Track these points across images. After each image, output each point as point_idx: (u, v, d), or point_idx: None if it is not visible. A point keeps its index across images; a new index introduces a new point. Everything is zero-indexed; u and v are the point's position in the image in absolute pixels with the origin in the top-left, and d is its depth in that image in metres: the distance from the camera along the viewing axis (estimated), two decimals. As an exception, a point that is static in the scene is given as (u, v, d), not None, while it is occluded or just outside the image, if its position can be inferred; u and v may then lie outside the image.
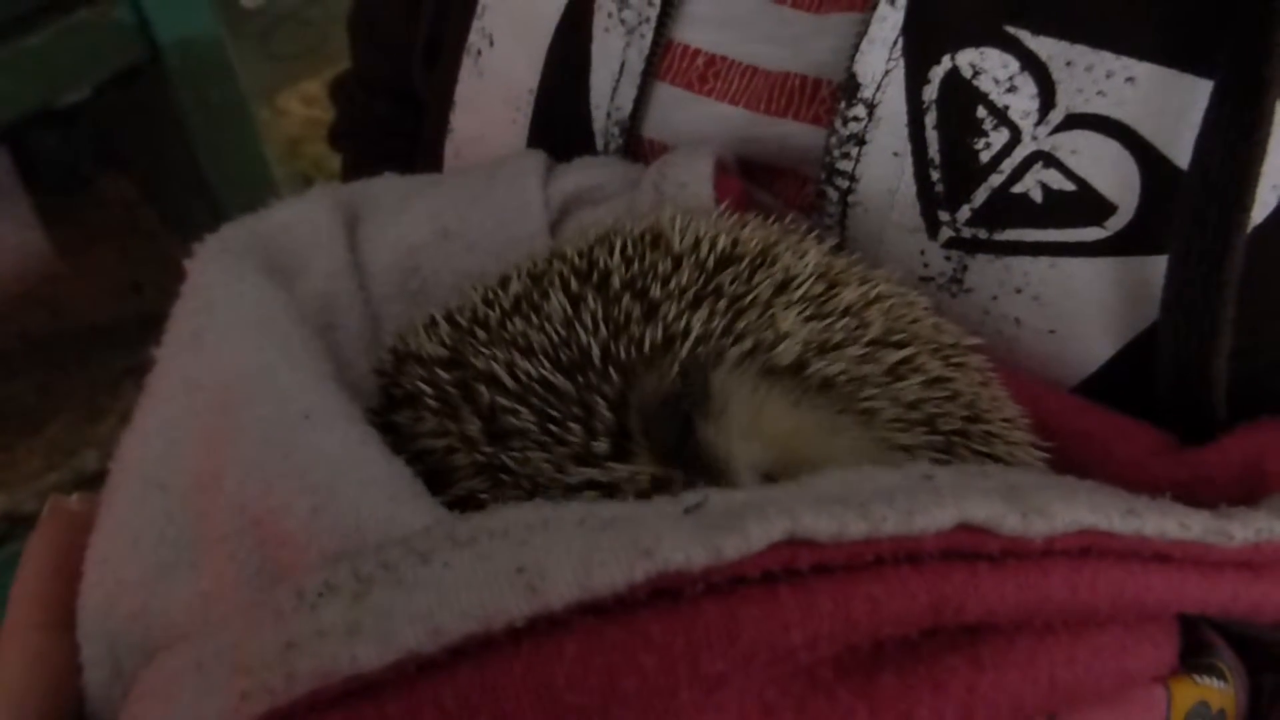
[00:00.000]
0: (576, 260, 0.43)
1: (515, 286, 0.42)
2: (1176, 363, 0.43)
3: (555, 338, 0.39)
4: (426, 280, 0.53)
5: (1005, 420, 0.42)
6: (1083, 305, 0.46)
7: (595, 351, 0.38)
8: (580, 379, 0.37)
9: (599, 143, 0.57)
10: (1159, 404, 0.45)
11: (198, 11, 1.15)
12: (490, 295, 0.43)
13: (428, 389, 0.39)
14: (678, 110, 0.55)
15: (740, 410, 0.37)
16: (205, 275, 0.46)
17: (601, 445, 0.36)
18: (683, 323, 0.38)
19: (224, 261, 0.47)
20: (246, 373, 0.40)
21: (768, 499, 0.28)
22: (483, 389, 0.38)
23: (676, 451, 0.36)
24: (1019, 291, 0.47)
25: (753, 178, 0.54)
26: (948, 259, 0.48)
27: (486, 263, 0.52)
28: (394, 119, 0.73)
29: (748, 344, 0.38)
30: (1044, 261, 0.46)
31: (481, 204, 0.54)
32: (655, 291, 0.39)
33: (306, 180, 1.49)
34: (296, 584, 0.29)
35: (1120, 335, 0.46)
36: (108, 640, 0.39)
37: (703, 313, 0.38)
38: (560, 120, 0.58)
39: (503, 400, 0.38)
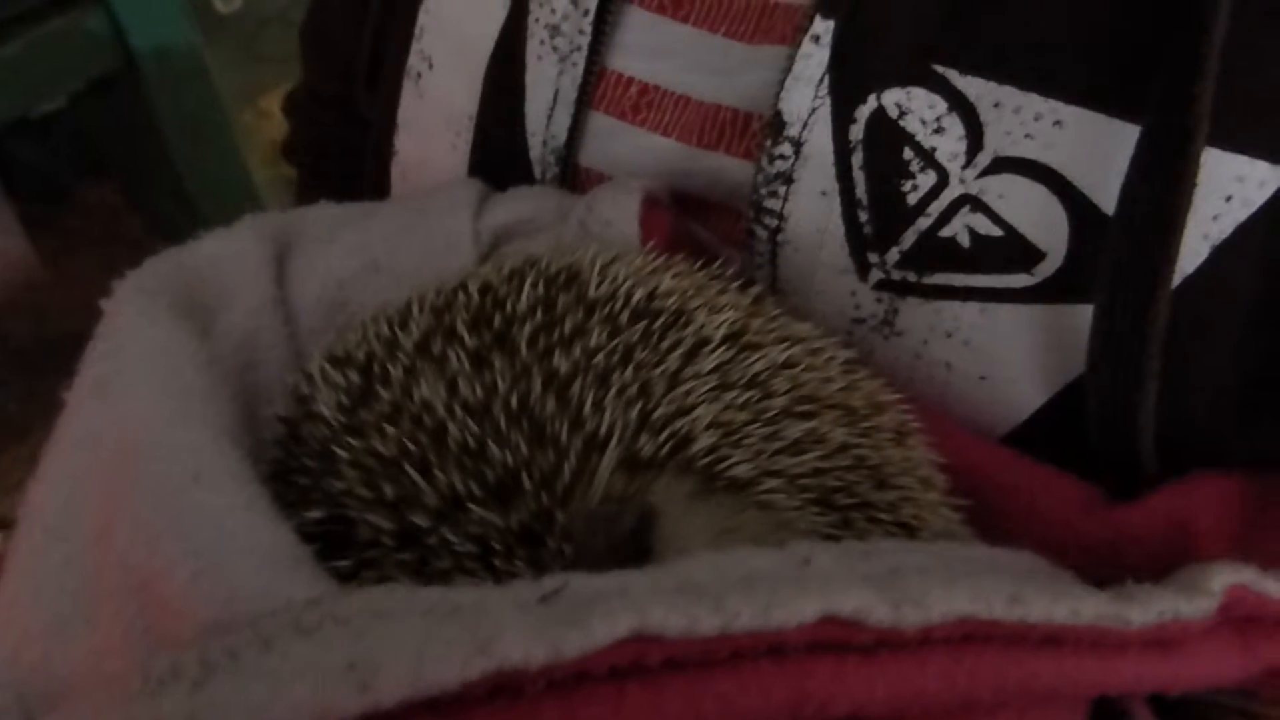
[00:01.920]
0: (480, 298, 0.42)
1: (416, 325, 0.41)
2: (1103, 415, 0.42)
3: (469, 436, 0.37)
4: (353, 315, 0.52)
5: (920, 478, 0.41)
6: (1012, 352, 0.45)
7: (523, 478, 0.36)
8: (511, 511, 0.36)
9: (536, 171, 0.56)
10: (1088, 455, 0.44)
11: (172, 19, 1.15)
12: (390, 333, 0.42)
13: (328, 457, 0.38)
14: (612, 140, 0.54)
15: (672, 528, 0.37)
16: (118, 317, 0.46)
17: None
18: (597, 422, 0.37)
19: (138, 303, 0.46)
20: (144, 426, 0.39)
21: (622, 589, 0.27)
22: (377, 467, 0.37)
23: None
24: (949, 336, 0.46)
25: (688, 211, 0.53)
26: (879, 301, 0.47)
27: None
28: (344, 135, 0.72)
29: (663, 440, 0.37)
30: (973, 306, 0.45)
31: (411, 236, 0.53)
32: (561, 361, 0.38)
33: (291, 183, 1.48)
34: (145, 665, 0.28)
35: (1050, 383, 0.45)
36: (15, 689, 0.38)
37: (611, 395, 0.38)
38: (498, 147, 0.57)
39: (418, 521, 0.36)
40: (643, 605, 0.26)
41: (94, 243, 1.46)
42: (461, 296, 0.43)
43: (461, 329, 0.41)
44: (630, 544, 0.36)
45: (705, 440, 0.38)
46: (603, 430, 0.37)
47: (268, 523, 0.35)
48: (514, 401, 0.37)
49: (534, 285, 0.42)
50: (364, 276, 0.52)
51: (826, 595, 0.28)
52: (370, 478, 0.37)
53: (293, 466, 0.40)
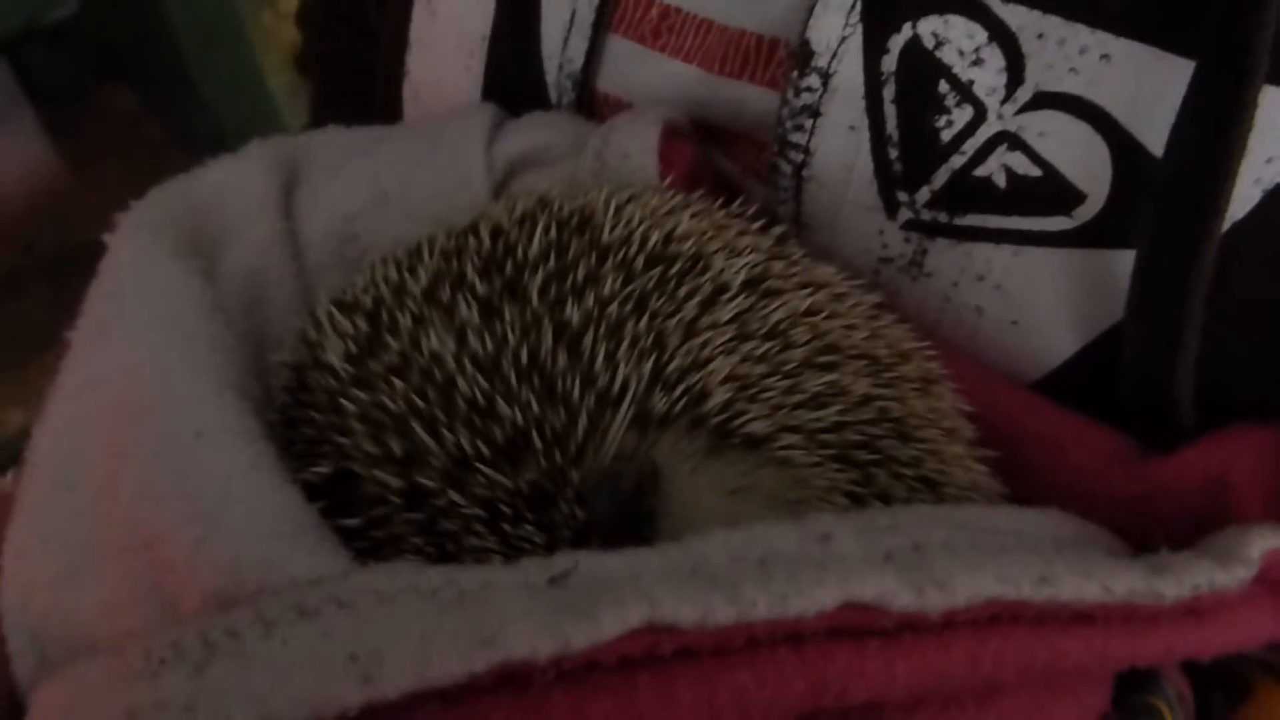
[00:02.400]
0: (490, 243, 0.40)
1: (425, 270, 0.40)
2: (1140, 366, 0.40)
3: (478, 391, 0.36)
4: (365, 249, 0.50)
5: (945, 430, 0.40)
6: (1046, 297, 0.43)
7: (533, 436, 0.35)
8: (521, 471, 0.35)
9: (552, 95, 0.54)
10: (1123, 406, 0.42)
11: (184, -81, 1.11)
12: (398, 278, 0.40)
13: (336, 410, 0.37)
14: (631, 65, 0.51)
15: (679, 492, 0.36)
16: (121, 255, 0.45)
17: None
18: (610, 377, 0.36)
19: (140, 240, 0.45)
20: (146, 376, 0.38)
21: (634, 573, 0.26)
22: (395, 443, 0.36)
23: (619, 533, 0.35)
24: (981, 279, 0.44)
25: (710, 140, 0.51)
26: (907, 241, 0.45)
27: (427, 229, 0.50)
28: (357, 50, 0.69)
29: (678, 396, 0.36)
30: (1007, 249, 0.43)
31: (422, 167, 0.51)
32: (572, 311, 0.37)
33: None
34: (147, 642, 0.28)
35: (1085, 331, 0.43)
36: (29, 632, 0.38)
37: (624, 348, 0.36)
38: (513, 70, 0.54)
39: (426, 481, 0.35)
40: (654, 594, 0.25)
41: (115, 148, 1.44)
42: (472, 241, 0.41)
43: (471, 275, 0.39)
44: (633, 503, 0.35)
45: (720, 396, 0.36)
46: (615, 387, 0.36)
47: (273, 484, 0.34)
48: (524, 356, 0.36)
49: (545, 230, 0.40)
50: (373, 209, 0.50)
51: (847, 581, 0.27)
52: (378, 433, 0.36)
53: (300, 416, 0.40)
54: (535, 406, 0.35)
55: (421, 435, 0.35)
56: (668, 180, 0.47)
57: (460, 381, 0.36)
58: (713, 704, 0.26)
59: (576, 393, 0.35)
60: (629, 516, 0.35)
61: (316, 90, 0.75)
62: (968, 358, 0.45)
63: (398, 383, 0.37)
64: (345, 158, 0.52)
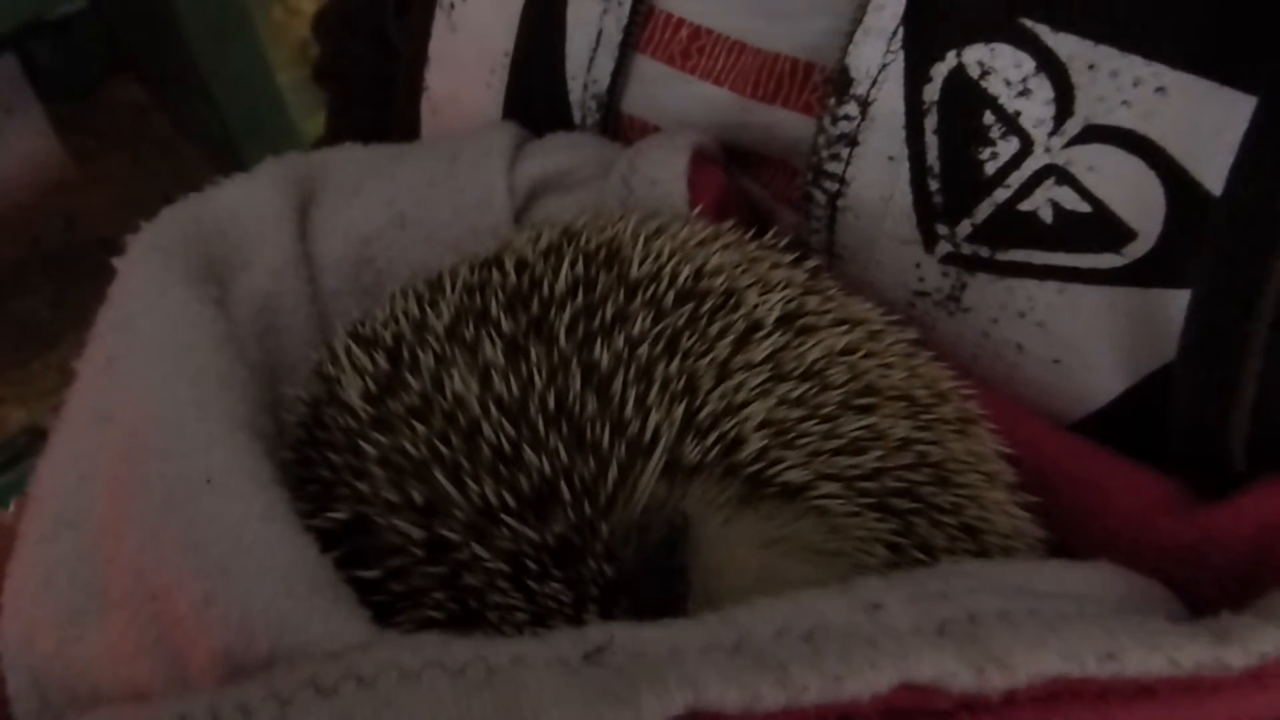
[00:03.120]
0: (516, 276, 0.39)
1: (447, 305, 0.38)
2: (1192, 411, 0.39)
3: (504, 439, 0.34)
4: (381, 273, 0.49)
5: (985, 474, 0.38)
6: (1092, 336, 0.41)
7: (561, 487, 0.33)
8: (548, 524, 0.33)
9: (576, 116, 0.52)
10: (1170, 449, 0.40)
11: (192, -89, 1.09)
12: (419, 312, 0.39)
13: (354, 452, 0.36)
14: (659, 87, 0.49)
15: (711, 550, 0.34)
16: (131, 281, 0.43)
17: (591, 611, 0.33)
18: (640, 424, 0.34)
19: (151, 266, 0.43)
20: (154, 415, 0.37)
21: (674, 650, 0.25)
22: (417, 495, 0.34)
23: (663, 604, 0.33)
24: (1022, 316, 0.42)
25: (740, 165, 0.49)
26: (945, 275, 0.43)
27: (445, 255, 0.48)
28: (375, 62, 0.67)
29: (711, 444, 0.34)
30: (1051, 286, 0.41)
31: (441, 189, 0.49)
32: (601, 352, 0.35)
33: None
34: (152, 712, 0.26)
35: (1132, 372, 0.41)
36: (31, 674, 0.37)
37: (655, 391, 0.34)
38: (536, 89, 0.53)
39: (448, 533, 0.33)
40: (699, 678, 0.24)
41: (123, 141, 1.43)
42: (496, 275, 0.39)
43: (496, 311, 0.38)
44: (664, 557, 0.33)
45: (755, 444, 0.35)
46: (646, 434, 0.34)
47: (287, 534, 0.33)
48: (551, 401, 0.34)
49: (572, 264, 0.39)
50: (391, 232, 0.49)
51: (903, 660, 0.25)
52: (399, 479, 0.35)
53: (315, 455, 0.38)
54: (563, 455, 0.33)
55: (444, 484, 0.34)
56: (697, 209, 0.45)
57: (485, 427, 0.34)
58: None
59: (606, 440, 0.34)
60: (660, 571, 0.33)
61: (333, 101, 0.74)
62: (1006, 397, 0.43)
63: (419, 426, 0.35)
64: (362, 178, 0.50)
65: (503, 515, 0.33)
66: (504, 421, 0.34)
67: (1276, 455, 0.39)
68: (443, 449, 0.34)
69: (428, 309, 0.39)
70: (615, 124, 0.51)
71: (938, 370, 0.41)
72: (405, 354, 0.38)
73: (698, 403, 0.35)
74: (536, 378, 0.35)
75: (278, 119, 1.34)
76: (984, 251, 0.42)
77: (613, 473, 0.33)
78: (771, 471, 0.35)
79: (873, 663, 0.25)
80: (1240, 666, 0.29)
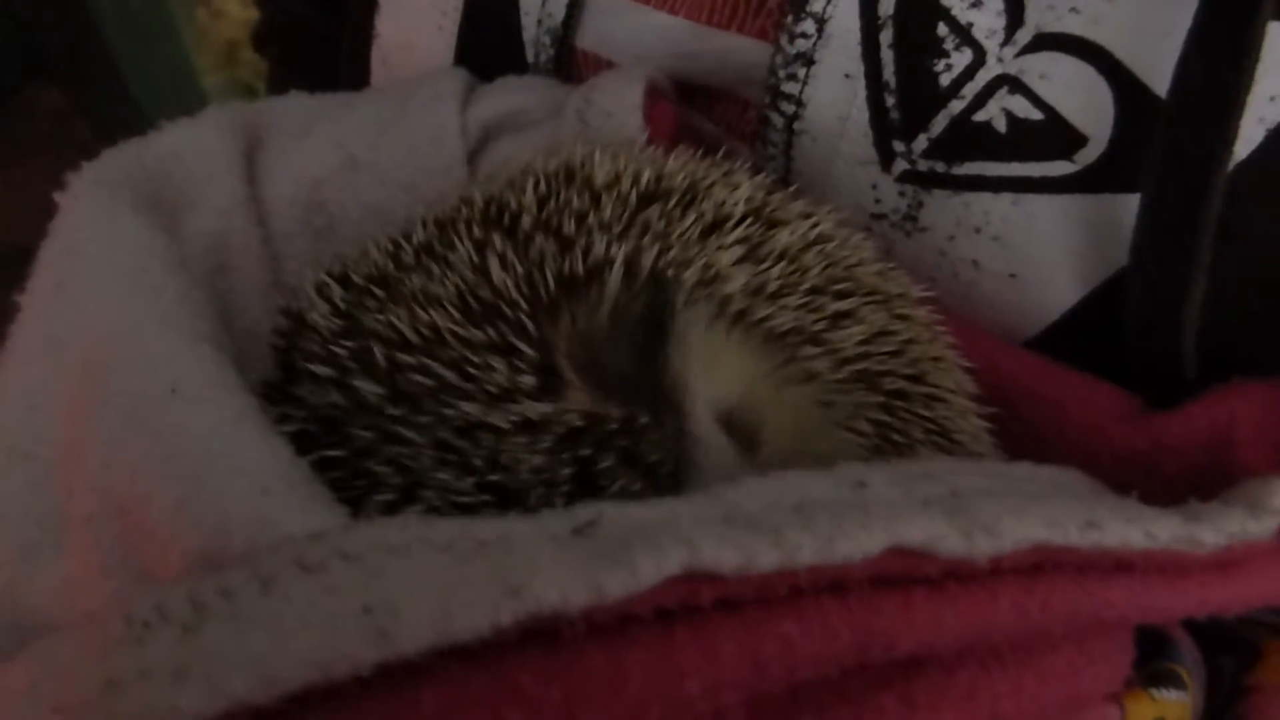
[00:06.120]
0: (484, 205, 0.38)
1: (419, 236, 0.38)
2: (1145, 310, 0.40)
3: (461, 285, 0.34)
4: (333, 216, 0.48)
5: (951, 380, 0.39)
6: (1047, 247, 0.42)
7: (510, 291, 0.33)
8: (493, 327, 0.33)
9: (530, 54, 0.52)
10: (1126, 357, 0.41)
11: (114, -92, 1.06)
12: (390, 247, 0.38)
13: (321, 358, 0.35)
14: (613, 19, 0.50)
15: (699, 343, 0.33)
16: (75, 213, 0.42)
17: (528, 380, 0.32)
18: (608, 252, 0.34)
19: (96, 198, 0.42)
20: (111, 334, 0.35)
21: (667, 521, 0.25)
22: (379, 350, 0.34)
23: (631, 380, 0.32)
24: (978, 231, 0.43)
25: (691, 102, 0.50)
26: (902, 194, 0.44)
27: (398, 196, 0.47)
28: (318, 21, 0.66)
29: (691, 275, 0.34)
30: (1006, 198, 0.42)
31: (393, 131, 0.49)
32: (570, 228, 0.35)
33: (245, 88, 1.41)
34: (127, 607, 0.25)
35: (1086, 280, 0.42)
36: None
37: (629, 245, 0.34)
38: (489, 27, 0.52)
39: (405, 357, 0.33)
40: (693, 538, 0.23)
41: (42, 148, 1.38)
42: (464, 209, 0.39)
43: (463, 231, 0.37)
44: (645, 324, 0.33)
45: (738, 281, 0.34)
46: (621, 251, 0.34)
47: (259, 437, 0.32)
48: (511, 254, 0.34)
49: (536, 185, 0.38)
50: (342, 174, 0.48)
51: (894, 524, 0.25)
52: (364, 355, 0.34)
53: (289, 393, 0.37)
54: (524, 288, 0.33)
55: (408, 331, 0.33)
56: (652, 140, 0.45)
57: (442, 288, 0.34)
58: (757, 657, 0.24)
59: (568, 264, 0.34)
60: (638, 342, 0.33)
61: (274, 67, 0.72)
62: (963, 318, 0.44)
63: (382, 316, 0.34)
64: (310, 122, 0.49)
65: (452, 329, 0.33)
66: (464, 275, 0.34)
67: (1225, 365, 0.40)
68: (400, 325, 0.34)
69: (400, 241, 0.38)
70: (569, 61, 0.51)
71: (905, 278, 0.42)
72: (375, 270, 0.37)
73: (674, 252, 0.35)
74: (506, 249, 0.35)
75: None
76: (940, 166, 0.43)
77: (569, 279, 0.33)
78: (758, 315, 0.35)
79: (864, 525, 0.25)
80: (1211, 543, 0.30)
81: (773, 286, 0.35)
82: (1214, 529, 0.30)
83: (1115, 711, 0.32)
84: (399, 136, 0.49)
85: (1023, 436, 0.42)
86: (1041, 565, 0.28)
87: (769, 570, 0.24)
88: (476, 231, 0.36)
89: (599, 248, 0.34)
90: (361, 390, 0.34)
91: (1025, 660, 0.29)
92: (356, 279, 0.37)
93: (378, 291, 0.36)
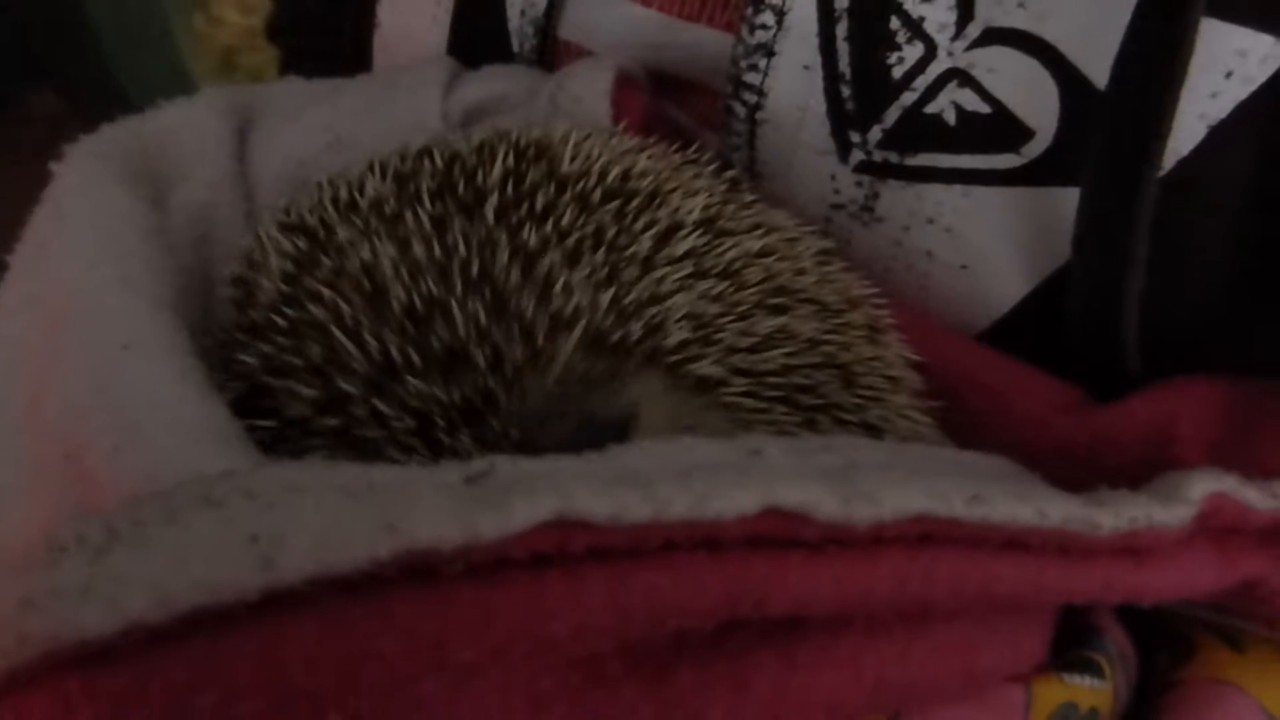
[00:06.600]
0: (447, 165, 0.40)
1: (375, 190, 0.39)
2: (1085, 303, 0.41)
3: (416, 298, 0.34)
4: None
5: (890, 379, 0.40)
6: (995, 239, 0.43)
7: (472, 344, 0.34)
8: (456, 385, 0.33)
9: (514, 43, 0.54)
10: (1069, 352, 0.43)
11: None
12: (348, 196, 0.39)
13: (264, 328, 0.36)
14: (592, 11, 0.52)
15: (643, 416, 0.35)
16: (66, 180, 0.44)
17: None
18: (565, 300, 0.35)
19: (87, 167, 0.44)
20: (79, 290, 0.37)
21: (551, 472, 0.25)
22: (316, 352, 0.35)
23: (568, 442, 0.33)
24: (931, 222, 0.44)
25: (666, 93, 0.52)
26: (859, 185, 0.45)
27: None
28: (325, 13, 0.68)
29: (634, 328, 0.35)
30: (957, 190, 0.44)
31: (378, 114, 0.51)
32: (530, 236, 0.36)
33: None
34: (53, 532, 0.26)
35: (1034, 273, 0.43)
36: None
37: (581, 273, 0.35)
38: (477, 17, 0.54)
39: (346, 387, 0.34)
40: (568, 488, 0.24)
41: (38, 153, 1.40)
42: (427, 164, 0.40)
43: (424, 195, 0.38)
44: (602, 437, 0.34)
45: (677, 335, 0.36)
46: (569, 309, 0.35)
47: (198, 395, 0.33)
48: (475, 268, 0.35)
49: (504, 158, 0.40)
50: (327, 154, 0.50)
51: (770, 486, 0.26)
52: (299, 345, 0.35)
53: (231, 340, 0.39)
54: (482, 319, 0.34)
55: (342, 340, 0.34)
56: (621, 126, 0.47)
57: (397, 288, 0.35)
58: (624, 604, 0.24)
59: (530, 310, 0.34)
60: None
61: (285, 57, 0.74)
62: (915, 308, 0.46)
63: (326, 292, 0.36)
64: (302, 105, 0.52)
65: (406, 375, 0.33)
66: (419, 281, 0.35)
67: (1167, 360, 0.41)
68: (344, 308, 0.35)
69: (355, 194, 0.40)
70: (551, 51, 0.53)
71: (849, 279, 0.43)
72: (324, 234, 0.38)
73: (622, 291, 0.36)
74: (461, 247, 0.36)
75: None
76: (894, 157, 0.44)
77: (535, 340, 0.34)
78: (691, 366, 0.36)
79: (739, 484, 0.26)
80: (1110, 527, 0.30)
81: (712, 311, 0.37)
82: (1114, 514, 0.31)
83: (1020, 692, 0.33)
84: (383, 119, 0.51)
85: (969, 427, 0.43)
86: (929, 537, 0.28)
87: (641, 522, 0.25)
88: (434, 206, 0.37)
89: (556, 281, 0.35)
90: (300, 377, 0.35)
91: (916, 630, 0.30)
92: (309, 219, 0.39)
93: (324, 260, 0.37)
